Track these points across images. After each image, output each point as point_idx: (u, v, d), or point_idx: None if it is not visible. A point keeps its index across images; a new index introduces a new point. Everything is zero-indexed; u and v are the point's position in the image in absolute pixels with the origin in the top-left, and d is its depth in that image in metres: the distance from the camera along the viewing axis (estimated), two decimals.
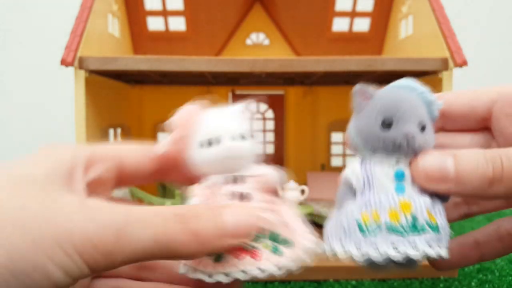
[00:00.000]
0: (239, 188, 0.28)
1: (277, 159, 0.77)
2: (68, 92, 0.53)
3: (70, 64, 0.47)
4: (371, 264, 0.26)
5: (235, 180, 0.28)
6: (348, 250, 0.25)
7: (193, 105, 0.30)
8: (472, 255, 0.31)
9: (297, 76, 0.61)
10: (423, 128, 0.27)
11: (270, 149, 0.79)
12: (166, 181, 0.32)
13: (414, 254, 0.24)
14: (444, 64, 0.48)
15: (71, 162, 0.25)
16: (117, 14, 0.64)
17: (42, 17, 0.97)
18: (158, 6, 0.70)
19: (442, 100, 0.29)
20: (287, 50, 0.77)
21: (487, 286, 0.44)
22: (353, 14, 0.72)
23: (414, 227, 0.25)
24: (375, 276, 0.46)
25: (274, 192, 0.29)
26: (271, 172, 0.29)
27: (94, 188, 0.25)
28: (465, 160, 0.25)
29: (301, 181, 0.62)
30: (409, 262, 0.26)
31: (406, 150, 0.26)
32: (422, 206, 0.26)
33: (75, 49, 0.47)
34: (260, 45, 0.78)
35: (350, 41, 0.75)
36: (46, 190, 0.22)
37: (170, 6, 0.70)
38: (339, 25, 0.73)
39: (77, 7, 0.52)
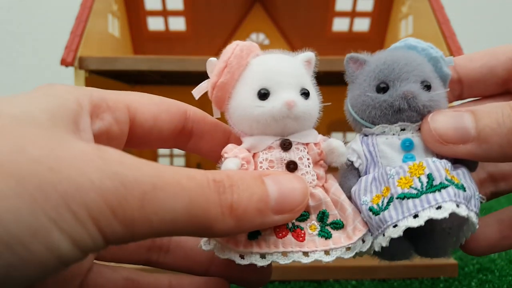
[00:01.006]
0: (288, 155, 0.22)
1: None
2: None
3: (70, 64, 0.47)
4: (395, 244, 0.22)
5: (285, 144, 0.22)
6: (379, 242, 0.22)
7: (246, 42, 0.23)
8: None
9: None
10: (427, 87, 0.23)
11: None
12: (189, 149, 0.26)
13: (436, 214, 0.20)
14: None
15: (76, 105, 0.19)
16: (117, 14, 0.64)
17: (42, 17, 0.97)
18: (158, 6, 0.70)
19: (450, 57, 0.25)
20: (287, 50, 0.77)
21: (487, 286, 0.43)
22: (353, 14, 0.72)
23: (431, 186, 0.21)
24: (375, 276, 0.46)
25: (328, 166, 0.24)
26: (334, 143, 0.23)
27: (101, 143, 0.20)
28: (486, 114, 0.21)
29: None
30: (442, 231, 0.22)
31: (409, 114, 0.23)
32: (439, 165, 0.22)
33: (75, 49, 0.47)
34: (260, 45, 0.77)
35: (350, 41, 0.75)
36: (50, 133, 0.16)
37: (170, 6, 0.70)
38: (339, 25, 0.73)
39: (77, 7, 0.52)
